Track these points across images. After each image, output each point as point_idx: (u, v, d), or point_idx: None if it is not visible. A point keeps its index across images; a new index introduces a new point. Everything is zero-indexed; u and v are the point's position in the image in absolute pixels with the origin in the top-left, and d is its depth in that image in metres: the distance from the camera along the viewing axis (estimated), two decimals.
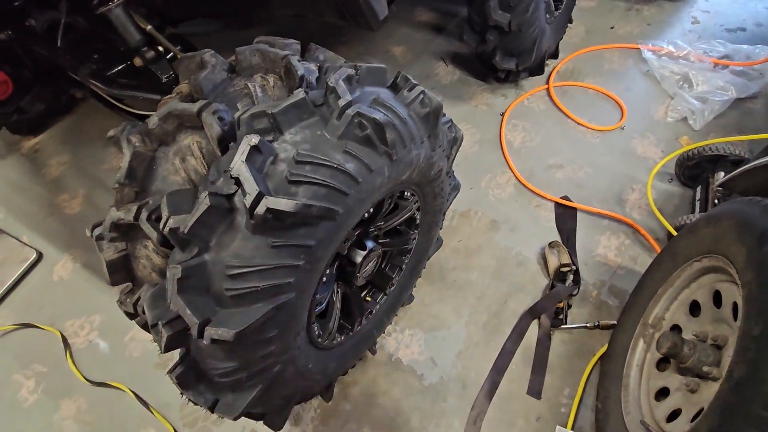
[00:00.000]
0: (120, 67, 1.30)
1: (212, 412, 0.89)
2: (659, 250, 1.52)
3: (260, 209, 0.70)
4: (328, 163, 0.78)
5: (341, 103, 0.79)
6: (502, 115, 2.08)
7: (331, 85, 0.81)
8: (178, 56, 1.26)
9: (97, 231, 0.91)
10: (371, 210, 1.01)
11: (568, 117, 2.05)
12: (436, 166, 1.09)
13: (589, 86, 2.14)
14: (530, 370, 1.44)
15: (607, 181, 1.84)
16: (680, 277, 1.20)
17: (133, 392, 1.51)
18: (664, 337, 1.08)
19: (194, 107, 0.83)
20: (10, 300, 1.78)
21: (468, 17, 1.89)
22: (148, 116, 0.88)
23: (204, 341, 0.74)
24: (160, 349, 0.81)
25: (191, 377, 0.87)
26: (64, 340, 1.65)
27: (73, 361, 1.60)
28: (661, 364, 1.20)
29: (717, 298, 1.10)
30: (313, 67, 0.95)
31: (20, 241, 1.90)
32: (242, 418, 0.94)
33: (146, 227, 0.82)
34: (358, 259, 1.11)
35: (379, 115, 0.82)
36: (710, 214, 1.11)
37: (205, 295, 0.77)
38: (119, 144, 0.88)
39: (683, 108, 1.96)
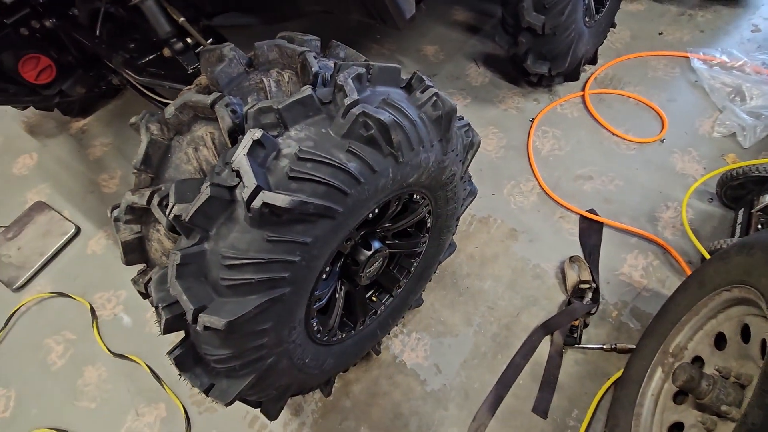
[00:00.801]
0: (150, 57, 1.36)
1: (207, 396, 0.92)
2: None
3: (257, 203, 0.71)
4: (330, 162, 0.78)
5: (347, 101, 0.79)
6: (532, 120, 2.01)
7: (340, 83, 0.81)
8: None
9: (115, 212, 0.96)
10: (376, 211, 1.00)
11: (603, 126, 1.95)
12: (448, 171, 1.06)
13: (629, 95, 2.02)
14: (538, 387, 1.39)
15: (640, 197, 1.73)
16: (707, 305, 1.11)
17: (148, 366, 1.59)
18: (681, 369, 1.01)
19: (208, 99, 0.85)
20: (49, 269, 1.92)
21: (501, 18, 1.83)
22: None
23: (198, 327, 0.76)
24: (161, 331, 0.85)
25: (189, 360, 0.90)
26: (93, 311, 1.76)
27: (99, 332, 1.71)
28: (679, 396, 1.12)
29: (746, 333, 1.01)
30: (330, 64, 0.95)
31: (62, 215, 2.04)
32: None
33: (157, 212, 0.86)
34: (362, 259, 1.11)
35: (384, 116, 0.81)
36: (743, 241, 1.02)
37: (204, 282, 0.79)
38: (139, 131, 0.93)
39: (732, 123, 1.81)
